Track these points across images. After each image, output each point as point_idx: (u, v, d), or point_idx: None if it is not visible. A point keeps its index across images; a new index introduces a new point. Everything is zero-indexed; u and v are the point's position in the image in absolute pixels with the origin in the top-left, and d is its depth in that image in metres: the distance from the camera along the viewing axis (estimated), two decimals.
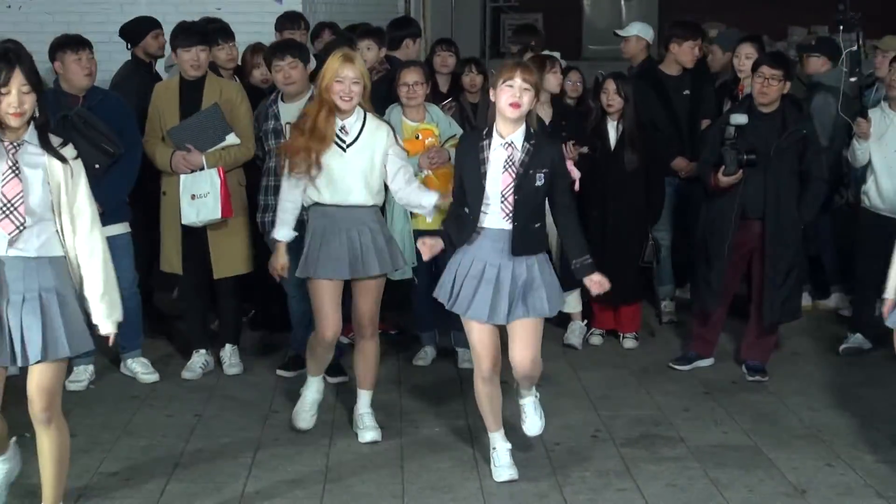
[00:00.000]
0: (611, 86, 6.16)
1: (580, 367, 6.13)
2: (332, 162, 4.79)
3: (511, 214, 4.34)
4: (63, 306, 3.79)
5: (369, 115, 4.87)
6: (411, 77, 5.76)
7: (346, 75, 4.73)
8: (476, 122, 6.20)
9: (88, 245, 3.84)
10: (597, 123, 6.28)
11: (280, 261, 5.01)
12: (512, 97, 4.29)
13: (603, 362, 6.22)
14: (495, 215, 4.37)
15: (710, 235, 5.86)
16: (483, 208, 4.37)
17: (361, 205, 4.85)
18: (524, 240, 4.38)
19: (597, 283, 4.48)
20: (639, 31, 7.20)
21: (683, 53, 6.81)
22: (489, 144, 4.37)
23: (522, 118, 4.35)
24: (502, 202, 4.34)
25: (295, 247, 5.04)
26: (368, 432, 5.02)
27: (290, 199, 4.93)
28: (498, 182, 4.34)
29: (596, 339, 6.54)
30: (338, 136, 4.79)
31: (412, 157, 5.54)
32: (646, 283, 6.73)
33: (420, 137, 5.81)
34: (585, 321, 6.56)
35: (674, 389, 5.75)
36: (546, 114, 6.20)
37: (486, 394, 4.54)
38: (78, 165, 3.85)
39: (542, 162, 4.35)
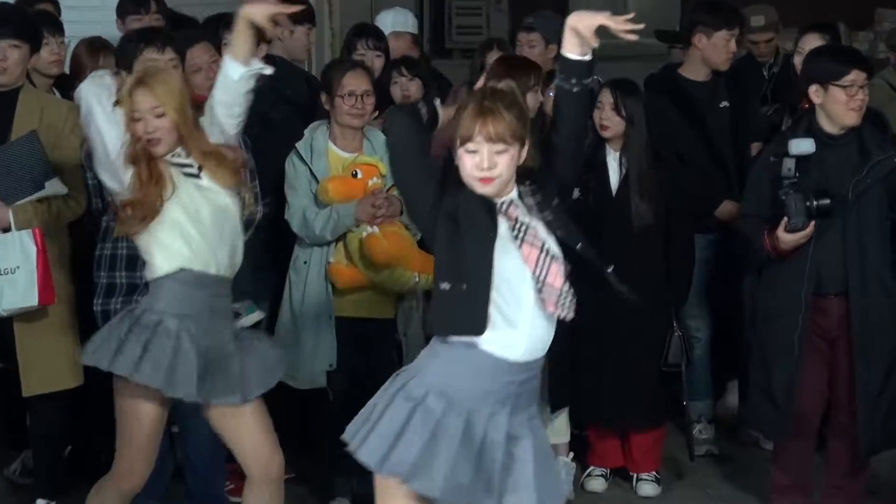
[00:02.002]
0: (607, 98, 6.01)
1: None
2: (192, 194, 4.64)
3: (565, 302, 4.00)
4: None
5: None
6: (361, 84, 5.66)
7: (140, 107, 4.60)
8: None
9: None
10: (591, 155, 6.08)
11: None
12: (478, 168, 3.94)
13: None
14: (502, 327, 3.95)
15: (770, 324, 5.73)
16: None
17: (222, 274, 4.74)
18: None
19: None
20: (395, 24, 7.35)
21: (714, 50, 6.76)
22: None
23: (504, 186, 4.02)
24: (540, 290, 3.96)
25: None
26: None
27: None
28: (515, 262, 3.98)
29: (596, 484, 6.37)
30: (177, 164, 4.66)
31: (344, 202, 5.55)
32: (670, 398, 6.52)
33: (359, 176, 5.72)
34: (571, 454, 6.27)
35: None
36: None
37: None
38: None
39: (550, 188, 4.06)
